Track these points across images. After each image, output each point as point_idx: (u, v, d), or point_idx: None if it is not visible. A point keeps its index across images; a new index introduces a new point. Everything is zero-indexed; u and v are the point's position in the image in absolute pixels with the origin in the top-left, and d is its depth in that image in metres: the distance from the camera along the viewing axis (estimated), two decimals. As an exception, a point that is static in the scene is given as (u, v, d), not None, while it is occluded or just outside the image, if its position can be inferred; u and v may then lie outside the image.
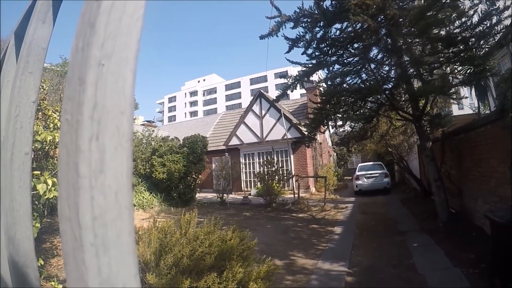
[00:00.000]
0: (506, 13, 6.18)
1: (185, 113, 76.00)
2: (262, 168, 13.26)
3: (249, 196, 14.44)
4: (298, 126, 15.03)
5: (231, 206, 12.58)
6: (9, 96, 0.64)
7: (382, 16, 6.64)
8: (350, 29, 7.44)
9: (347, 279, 4.47)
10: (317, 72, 8.16)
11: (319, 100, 8.65)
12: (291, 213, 10.47)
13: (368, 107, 8.62)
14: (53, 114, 3.97)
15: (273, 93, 34.76)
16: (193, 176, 13.00)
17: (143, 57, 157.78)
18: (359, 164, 17.12)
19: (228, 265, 2.75)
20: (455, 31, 6.52)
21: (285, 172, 13.65)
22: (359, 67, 7.84)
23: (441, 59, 6.94)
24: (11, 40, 0.72)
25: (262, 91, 18.25)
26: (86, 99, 0.30)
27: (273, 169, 12.44)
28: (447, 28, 6.63)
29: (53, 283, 3.33)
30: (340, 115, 8.86)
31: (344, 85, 8.07)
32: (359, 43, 7.42)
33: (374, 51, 7.82)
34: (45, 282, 3.60)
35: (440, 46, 6.61)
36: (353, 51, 7.74)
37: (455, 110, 17.43)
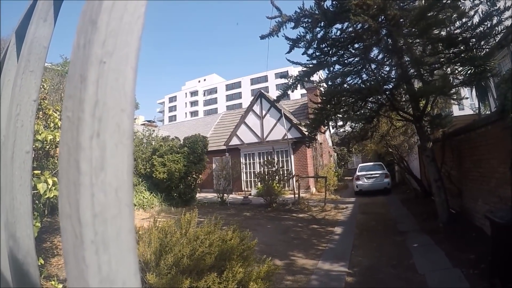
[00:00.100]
0: (507, 13, 6.17)
1: (186, 113, 76.03)
2: (262, 168, 13.26)
3: (249, 196, 14.44)
4: (299, 126, 15.03)
5: (231, 206, 12.58)
6: (10, 95, 0.64)
7: (382, 17, 6.64)
8: (350, 29, 7.45)
9: (347, 279, 4.47)
10: (317, 72, 8.16)
11: (319, 100, 8.65)
12: (291, 213, 10.47)
13: (369, 107, 8.62)
14: (53, 113, 3.98)
15: (273, 93, 34.75)
16: (194, 176, 13.00)
17: (143, 57, 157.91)
18: (360, 165, 17.12)
19: (228, 265, 2.75)
20: (455, 31, 6.51)
21: (285, 172, 13.66)
22: (359, 68, 7.84)
23: (442, 59, 6.94)
24: (12, 39, 0.73)
25: (262, 91, 18.27)
26: (87, 97, 0.30)
27: (274, 169, 12.44)
28: (448, 29, 6.63)
29: (53, 282, 3.33)
30: (340, 115, 8.86)
31: (345, 85, 8.07)
32: (360, 43, 7.43)
33: (375, 51, 7.85)
34: (45, 282, 3.60)
35: (441, 47, 6.61)
36: (353, 51, 7.75)
37: (456, 111, 17.41)
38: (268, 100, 17.18)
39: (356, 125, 9.93)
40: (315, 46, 7.69)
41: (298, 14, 7.23)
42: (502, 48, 8.03)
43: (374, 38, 6.91)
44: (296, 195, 12.57)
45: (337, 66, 8.07)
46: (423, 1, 6.44)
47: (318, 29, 7.48)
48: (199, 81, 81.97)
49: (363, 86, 7.69)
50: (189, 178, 12.75)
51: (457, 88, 7.48)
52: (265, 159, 13.57)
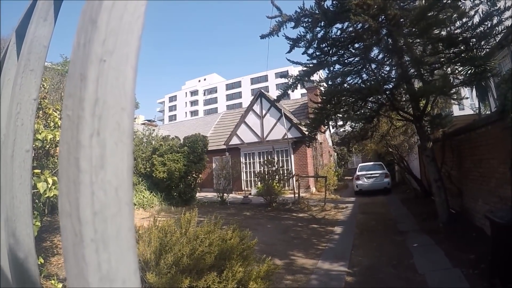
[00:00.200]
0: (507, 13, 6.17)
1: (186, 112, 76.03)
2: (262, 167, 13.27)
3: (249, 196, 14.44)
4: (299, 125, 15.03)
5: (231, 206, 12.58)
6: (10, 94, 0.64)
7: (383, 16, 6.64)
8: (351, 29, 7.45)
9: (347, 279, 4.47)
10: (317, 72, 8.16)
11: (319, 100, 8.64)
12: (291, 212, 10.47)
13: (369, 107, 8.62)
14: (53, 112, 3.98)
15: (273, 93, 34.78)
16: (194, 175, 13.00)
17: (143, 57, 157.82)
18: (360, 164, 17.12)
19: (228, 265, 2.75)
20: (456, 31, 6.51)
21: (285, 171, 13.67)
22: (359, 67, 7.84)
23: (442, 59, 6.94)
24: (12, 39, 0.73)
25: (262, 90, 18.26)
26: (87, 95, 0.31)
27: (274, 168, 12.45)
28: (448, 29, 6.62)
29: (53, 281, 3.34)
30: (340, 115, 8.86)
31: (345, 85, 8.07)
32: (360, 43, 7.42)
33: (375, 51, 7.85)
34: (45, 281, 3.60)
35: (441, 47, 6.61)
36: (354, 51, 7.75)
37: (456, 111, 17.43)
38: (268, 99, 17.18)
39: (356, 124, 9.93)
40: (315, 45, 7.69)
41: (298, 14, 7.22)
42: (503, 48, 8.03)
43: (374, 38, 6.91)
44: (296, 195, 12.58)
45: (337, 66, 8.08)
46: (424, 1, 6.44)
47: (318, 28, 7.48)
48: (199, 81, 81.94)
49: (363, 85, 7.69)
50: (189, 177, 12.75)
51: (457, 88, 7.47)
52: (265, 159, 13.58)
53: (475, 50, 6.47)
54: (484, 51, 6.52)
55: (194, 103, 78.07)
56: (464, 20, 6.33)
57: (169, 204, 12.04)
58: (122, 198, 0.30)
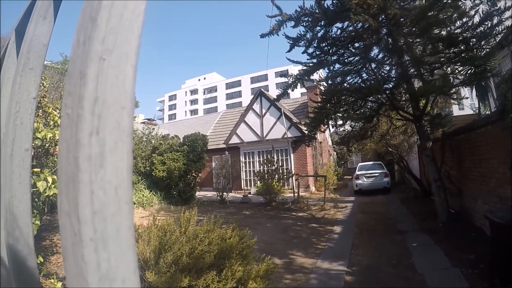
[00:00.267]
0: (507, 13, 6.16)
1: (186, 111, 75.98)
2: (262, 166, 13.27)
3: (249, 195, 14.45)
4: (299, 125, 15.00)
5: (231, 205, 12.58)
6: (10, 93, 0.64)
7: (383, 16, 6.63)
8: (351, 28, 7.44)
9: (346, 278, 4.47)
10: (317, 71, 8.16)
11: (319, 99, 8.65)
12: (290, 212, 10.48)
13: (369, 106, 8.62)
14: (53, 111, 3.97)
15: (273, 92, 34.76)
16: (193, 174, 13.01)
17: (143, 57, 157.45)
18: (359, 164, 17.13)
19: (228, 264, 2.75)
20: (456, 31, 6.51)
21: (285, 171, 13.66)
22: (359, 67, 7.85)
23: (442, 59, 6.94)
24: (11, 37, 0.72)
25: (262, 90, 18.27)
26: (86, 93, 0.30)
27: (273, 168, 12.45)
28: (448, 28, 6.62)
29: (52, 280, 3.33)
30: (340, 115, 8.86)
31: (345, 85, 8.07)
32: (360, 42, 7.42)
33: (375, 50, 7.84)
34: (44, 280, 3.60)
35: (441, 46, 6.61)
36: (354, 50, 7.75)
37: (456, 111, 17.44)
38: (268, 98, 17.19)
39: (356, 124, 9.94)
40: (315, 45, 7.69)
41: (298, 13, 7.22)
42: (503, 48, 8.02)
43: (375, 37, 6.91)
44: (296, 194, 12.58)
45: (337, 65, 8.09)
46: (424, 1, 6.44)
47: (318, 28, 7.47)
48: (199, 80, 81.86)
49: (363, 85, 7.69)
50: (188, 176, 12.76)
51: (457, 88, 7.48)
52: (265, 158, 13.58)
53: (475, 50, 6.47)
54: (484, 51, 6.52)
55: (194, 102, 78.02)
56: (464, 20, 6.32)
57: (169, 203, 12.05)
58: (121, 197, 0.30)
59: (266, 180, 11.98)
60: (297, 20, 7.28)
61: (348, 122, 9.67)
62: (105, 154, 0.30)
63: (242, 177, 17.38)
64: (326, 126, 10.26)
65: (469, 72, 6.73)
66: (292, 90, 8.57)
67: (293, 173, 13.91)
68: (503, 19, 6.20)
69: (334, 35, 7.72)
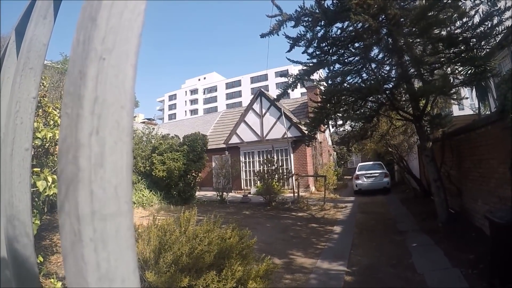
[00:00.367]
0: (507, 14, 6.16)
1: (186, 111, 75.95)
2: (262, 166, 13.27)
3: (248, 195, 14.45)
4: (299, 125, 15.01)
5: (230, 205, 12.58)
6: (10, 92, 0.64)
7: (383, 16, 6.63)
8: (351, 28, 7.44)
9: (346, 278, 4.47)
10: (317, 71, 8.16)
11: (319, 99, 8.65)
12: (290, 212, 10.48)
13: (369, 106, 8.62)
14: (53, 111, 3.97)
15: (273, 92, 34.75)
16: (193, 174, 13.01)
17: (143, 56, 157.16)
18: (359, 164, 17.13)
19: (227, 264, 2.75)
20: (456, 31, 6.51)
21: (285, 171, 13.66)
22: (359, 67, 7.85)
23: (442, 59, 6.94)
24: (11, 37, 0.72)
25: (262, 89, 18.27)
26: (86, 93, 0.30)
27: (273, 167, 12.44)
28: (448, 29, 6.62)
29: (52, 280, 3.33)
30: (340, 115, 8.86)
31: (345, 85, 8.07)
32: (360, 42, 7.42)
33: (375, 50, 7.84)
34: (44, 279, 3.60)
35: (441, 46, 6.61)
36: (354, 50, 7.75)
37: (456, 111, 17.42)
38: (268, 98, 17.18)
39: (356, 124, 9.94)
40: (315, 45, 7.69)
41: (298, 13, 7.22)
42: (503, 48, 8.01)
43: (375, 38, 6.91)
44: (296, 194, 12.58)
45: (337, 65, 8.09)
46: (424, 1, 6.44)
47: (318, 28, 7.47)
48: (199, 79, 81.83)
49: (363, 85, 7.69)
50: (188, 176, 12.76)
51: (457, 88, 7.48)
52: (265, 158, 13.58)
53: (475, 50, 6.47)
54: (484, 51, 6.52)
55: (194, 101, 77.99)
56: (464, 20, 6.32)
57: (169, 202, 12.04)
58: (121, 197, 0.30)
59: (266, 180, 11.97)
60: (297, 20, 7.28)
61: (348, 122, 9.67)
62: (104, 153, 0.30)
63: (242, 177, 17.38)
64: (326, 126, 10.26)
65: (469, 72, 6.73)
66: (292, 90, 8.57)
67: (293, 173, 13.90)
68: (503, 19, 6.19)
69: (334, 35, 7.72)
